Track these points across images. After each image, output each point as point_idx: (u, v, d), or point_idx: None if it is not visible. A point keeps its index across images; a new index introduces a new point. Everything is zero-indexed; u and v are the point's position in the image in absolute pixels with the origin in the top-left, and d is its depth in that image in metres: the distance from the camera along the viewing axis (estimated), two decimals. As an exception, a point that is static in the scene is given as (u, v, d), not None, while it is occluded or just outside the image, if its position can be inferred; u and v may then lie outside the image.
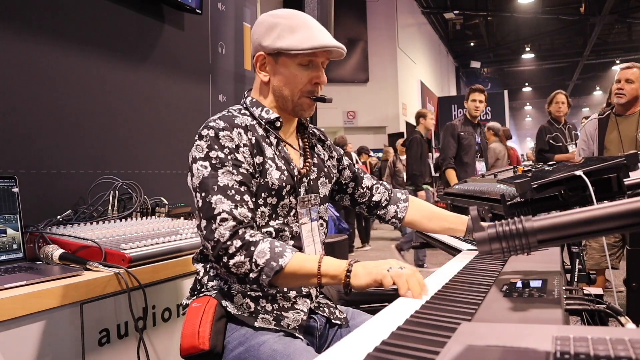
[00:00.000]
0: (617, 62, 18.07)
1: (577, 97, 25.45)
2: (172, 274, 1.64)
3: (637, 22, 16.11)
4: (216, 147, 1.19)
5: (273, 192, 1.25)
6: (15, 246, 1.50)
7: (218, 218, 1.14)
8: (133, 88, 2.26)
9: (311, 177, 1.36)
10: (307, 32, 1.25)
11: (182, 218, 2.06)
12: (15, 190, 1.53)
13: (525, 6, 15.00)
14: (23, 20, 1.78)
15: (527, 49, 18.71)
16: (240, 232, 1.14)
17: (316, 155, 1.42)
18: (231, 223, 1.14)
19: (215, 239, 1.13)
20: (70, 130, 1.95)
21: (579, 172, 1.26)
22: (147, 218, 1.95)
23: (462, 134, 4.48)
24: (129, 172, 2.19)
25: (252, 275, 1.12)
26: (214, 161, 1.18)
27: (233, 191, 1.17)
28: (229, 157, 1.19)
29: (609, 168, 1.30)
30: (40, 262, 1.50)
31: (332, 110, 11.44)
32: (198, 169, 1.19)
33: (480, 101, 4.45)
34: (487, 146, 4.70)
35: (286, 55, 1.26)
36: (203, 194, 1.17)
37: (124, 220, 1.84)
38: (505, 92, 14.23)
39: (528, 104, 27.44)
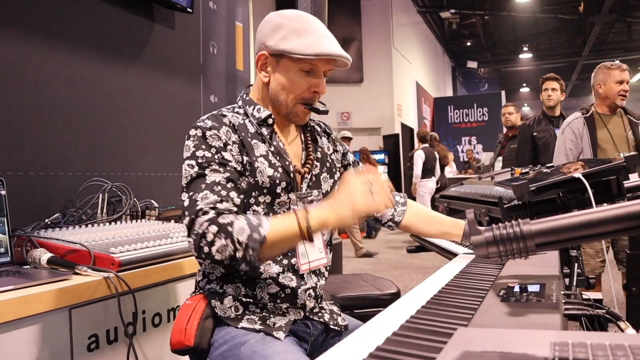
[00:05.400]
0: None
1: (576, 98, 25.47)
2: (162, 278, 1.61)
3: (637, 22, 16.09)
4: (203, 146, 1.19)
5: (265, 190, 1.24)
6: (2, 250, 1.48)
7: (200, 212, 1.12)
8: (123, 88, 2.24)
9: (314, 173, 1.35)
10: (313, 37, 1.22)
11: (172, 221, 2.03)
12: (3, 192, 1.51)
13: (523, 5, 15.00)
14: (11, 20, 1.76)
15: (525, 48, 18.70)
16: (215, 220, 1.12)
17: (319, 149, 1.41)
18: (211, 215, 1.11)
19: (195, 232, 1.11)
20: (58, 132, 1.92)
21: (578, 175, 1.25)
22: (137, 221, 1.93)
23: (535, 134, 4.00)
24: (119, 175, 2.16)
25: (238, 254, 1.09)
26: (200, 160, 1.18)
27: (219, 187, 1.16)
28: (216, 157, 1.19)
29: (609, 170, 1.29)
30: (28, 266, 1.48)
31: (327, 110, 11.42)
32: (185, 169, 1.19)
33: (553, 89, 4.00)
34: None
35: (289, 58, 1.24)
36: (191, 193, 1.16)
37: (113, 223, 1.82)
38: (503, 92, 14.30)
39: (526, 104, 27.52)
